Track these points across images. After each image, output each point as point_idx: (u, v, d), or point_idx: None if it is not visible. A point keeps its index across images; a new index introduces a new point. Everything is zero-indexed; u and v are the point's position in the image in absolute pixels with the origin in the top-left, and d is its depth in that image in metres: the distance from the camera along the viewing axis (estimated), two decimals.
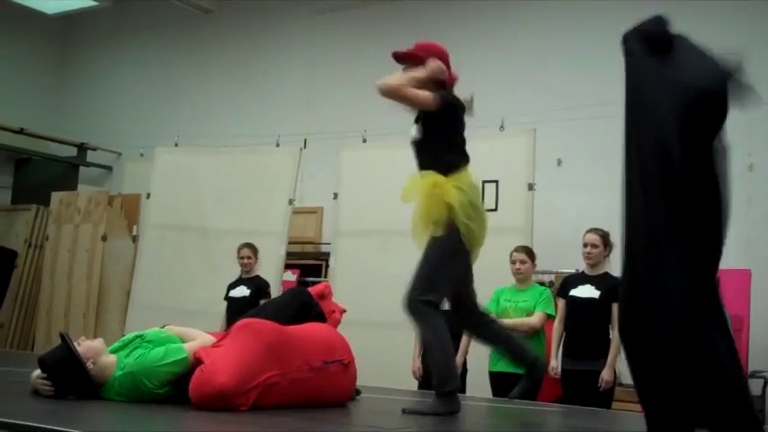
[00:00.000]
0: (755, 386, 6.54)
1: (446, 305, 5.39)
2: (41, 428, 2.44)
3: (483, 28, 8.43)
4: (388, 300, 6.67)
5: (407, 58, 3.96)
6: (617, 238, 5.34)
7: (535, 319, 5.43)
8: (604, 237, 5.36)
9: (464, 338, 5.69)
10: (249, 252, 6.92)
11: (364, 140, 7.79)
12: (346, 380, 3.86)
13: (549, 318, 5.47)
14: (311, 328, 3.89)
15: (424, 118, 3.92)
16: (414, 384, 5.90)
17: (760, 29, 7.15)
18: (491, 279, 5.34)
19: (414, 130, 4.01)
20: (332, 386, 3.73)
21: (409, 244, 6.85)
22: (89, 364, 3.49)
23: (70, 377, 3.50)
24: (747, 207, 6.93)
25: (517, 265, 5.60)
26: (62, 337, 3.72)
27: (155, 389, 3.48)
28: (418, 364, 5.85)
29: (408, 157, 7.30)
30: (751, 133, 7.03)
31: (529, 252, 5.71)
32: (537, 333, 5.41)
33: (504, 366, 5.23)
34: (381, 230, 7.16)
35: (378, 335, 6.42)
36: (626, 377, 6.60)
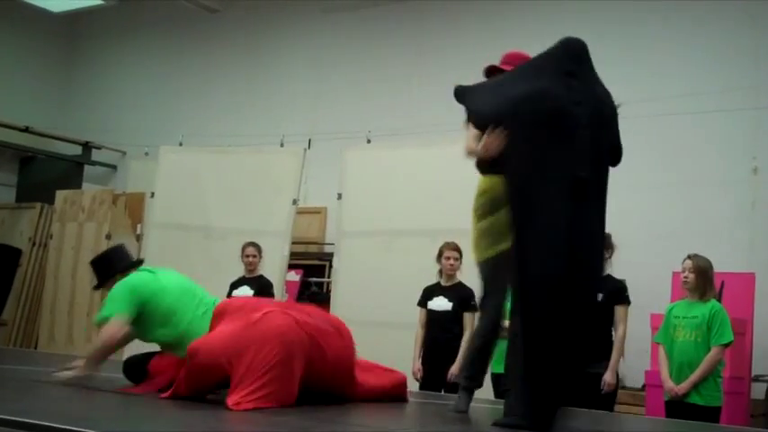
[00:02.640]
0: (759, 390, 6.53)
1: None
2: (46, 426, 2.45)
3: (486, 28, 8.43)
4: (391, 300, 6.72)
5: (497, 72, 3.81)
6: (622, 240, 5.36)
7: None
8: (606, 239, 5.34)
9: (465, 338, 5.69)
10: (254, 251, 6.91)
11: (368, 141, 7.79)
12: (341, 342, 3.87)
13: None
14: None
15: None
16: (414, 385, 5.90)
17: (764, 31, 7.13)
18: None
19: None
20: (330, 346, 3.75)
21: (412, 245, 6.90)
22: None
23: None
24: (752, 210, 6.93)
25: None
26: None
27: None
28: (419, 365, 5.85)
29: (412, 158, 7.35)
30: (755, 137, 7.03)
31: None
32: None
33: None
34: (385, 231, 7.16)
35: (380, 335, 6.42)
36: (629, 380, 6.61)
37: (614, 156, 3.37)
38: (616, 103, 3.41)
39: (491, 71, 3.80)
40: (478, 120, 3.39)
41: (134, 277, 4.12)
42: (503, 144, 3.21)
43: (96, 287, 4.48)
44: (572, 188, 3.09)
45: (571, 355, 3.19)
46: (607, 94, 3.32)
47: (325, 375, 3.76)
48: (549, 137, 3.15)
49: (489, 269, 3.74)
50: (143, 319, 4.04)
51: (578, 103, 3.17)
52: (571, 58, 3.29)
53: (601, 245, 3.30)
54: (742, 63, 7.12)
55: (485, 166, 3.51)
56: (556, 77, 3.26)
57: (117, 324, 3.97)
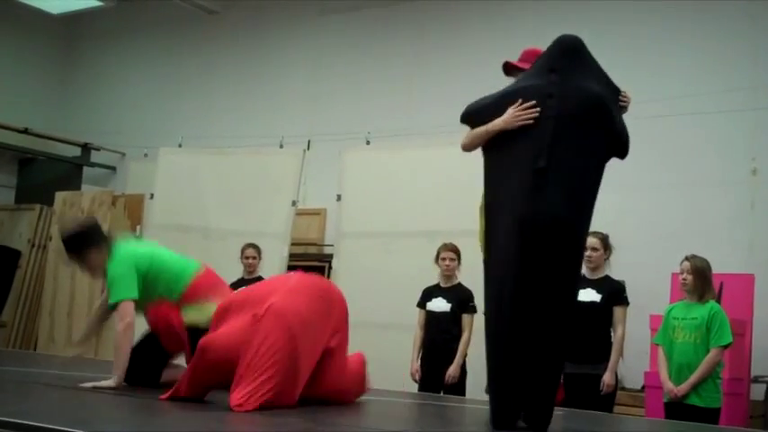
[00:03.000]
0: (758, 391, 6.53)
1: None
2: (46, 428, 2.45)
3: (487, 29, 8.43)
4: (390, 302, 6.72)
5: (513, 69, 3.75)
6: (612, 240, 5.36)
7: None
8: (604, 240, 5.34)
9: (463, 339, 5.69)
10: (254, 252, 6.92)
11: (368, 142, 7.79)
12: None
13: None
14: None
15: None
16: (413, 386, 5.90)
17: (763, 32, 7.13)
18: None
19: None
20: None
21: (412, 246, 6.90)
22: None
23: None
24: (751, 212, 6.93)
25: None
26: None
27: None
28: (417, 366, 5.85)
29: (411, 159, 7.35)
30: (754, 138, 7.03)
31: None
32: None
33: None
34: (384, 232, 7.17)
35: (379, 336, 6.42)
36: (628, 381, 6.61)
37: (617, 149, 3.36)
38: (624, 99, 3.40)
39: (508, 68, 3.75)
40: (462, 116, 3.46)
41: (127, 253, 4.16)
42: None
43: (72, 261, 4.35)
44: (532, 178, 3.10)
45: (541, 355, 3.16)
46: (599, 90, 3.30)
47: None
48: (517, 132, 3.22)
49: None
50: (142, 291, 4.12)
51: (550, 96, 3.20)
52: (557, 55, 3.32)
53: (572, 235, 3.19)
54: (741, 64, 7.13)
55: None
56: (540, 74, 3.32)
57: (130, 307, 4.03)
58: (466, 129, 3.54)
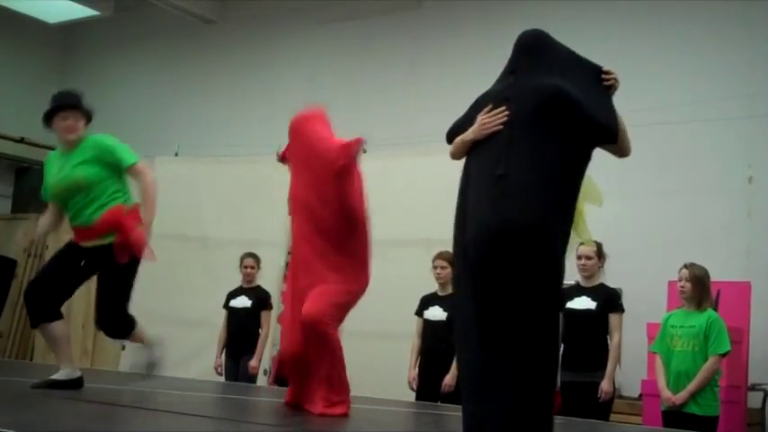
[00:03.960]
0: (755, 399, 6.52)
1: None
2: None
3: (484, 38, 8.44)
4: (386, 310, 6.70)
5: None
6: (610, 248, 5.35)
7: None
8: (598, 248, 5.36)
9: None
10: (252, 262, 6.91)
11: (365, 151, 7.77)
12: None
13: None
14: None
15: None
16: (410, 395, 5.89)
17: (760, 40, 7.15)
18: None
19: None
20: None
21: (409, 254, 6.89)
22: None
23: None
24: (747, 219, 6.93)
25: None
26: None
27: None
28: (414, 374, 5.85)
29: (408, 167, 7.35)
30: (751, 146, 7.04)
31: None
32: None
33: None
34: (381, 241, 7.10)
35: (375, 345, 6.41)
36: (625, 389, 6.60)
37: (598, 134, 3.13)
38: (608, 76, 3.22)
39: None
40: (447, 135, 3.41)
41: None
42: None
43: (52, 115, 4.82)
44: (493, 186, 2.96)
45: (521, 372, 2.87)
46: (555, 82, 3.12)
47: None
48: (482, 140, 3.11)
49: None
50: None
51: (506, 99, 3.09)
52: (516, 55, 3.25)
53: (542, 240, 2.93)
54: (738, 72, 7.14)
55: None
56: (502, 78, 3.24)
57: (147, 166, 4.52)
58: None
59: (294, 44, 9.85)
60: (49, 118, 4.61)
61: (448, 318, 5.72)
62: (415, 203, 7.08)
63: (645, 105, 6.93)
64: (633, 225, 7.16)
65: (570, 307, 5.29)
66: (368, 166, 7.73)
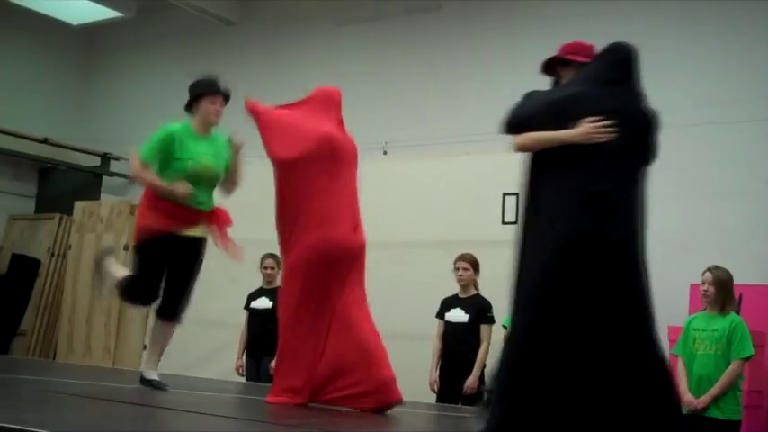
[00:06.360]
0: None
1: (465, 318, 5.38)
2: None
3: (503, 41, 8.42)
4: (406, 311, 6.70)
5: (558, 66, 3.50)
6: None
7: None
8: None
9: (481, 350, 5.67)
10: (273, 263, 6.92)
11: (385, 153, 7.80)
12: None
13: None
14: None
15: None
16: (431, 397, 5.88)
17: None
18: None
19: None
20: None
21: (427, 256, 6.88)
22: None
23: None
24: None
25: None
26: None
27: None
28: (435, 376, 5.84)
29: (428, 170, 7.34)
30: None
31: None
32: None
33: None
34: (401, 242, 7.15)
35: (395, 347, 6.39)
36: None
37: (651, 157, 3.32)
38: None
39: (551, 64, 3.48)
40: (508, 123, 3.30)
41: None
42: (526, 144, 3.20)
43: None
44: (589, 198, 3.02)
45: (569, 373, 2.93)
46: (645, 104, 3.27)
47: None
48: (576, 146, 3.08)
49: None
50: None
51: (613, 111, 3.10)
52: (620, 65, 3.24)
53: (629, 256, 3.21)
54: (761, 74, 7.08)
55: None
56: (597, 84, 3.21)
57: None
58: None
59: (313, 45, 9.87)
60: (196, 97, 4.70)
61: (470, 320, 5.72)
62: (434, 205, 7.07)
63: (665, 108, 6.87)
64: (655, 228, 7.07)
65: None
66: (387, 168, 7.78)
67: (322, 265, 4.17)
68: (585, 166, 3.07)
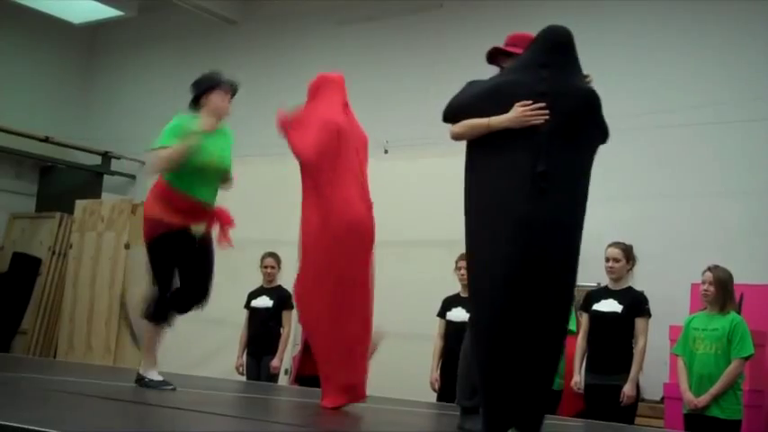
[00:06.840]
0: None
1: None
2: None
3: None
4: (408, 311, 6.70)
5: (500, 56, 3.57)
6: (640, 251, 5.31)
7: None
8: (627, 251, 5.31)
9: None
10: (273, 262, 6.93)
11: (386, 151, 7.80)
12: None
13: (570, 333, 5.43)
14: None
15: None
16: (432, 396, 5.88)
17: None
18: None
19: None
20: None
21: (430, 255, 6.88)
22: None
23: None
24: None
25: None
26: None
27: None
28: (436, 375, 5.84)
29: (429, 168, 7.33)
30: None
31: None
32: None
33: None
34: (401, 241, 7.15)
35: (398, 346, 6.40)
36: (649, 393, 6.55)
37: (603, 138, 3.29)
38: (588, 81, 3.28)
39: (494, 54, 3.58)
40: (444, 112, 3.35)
41: None
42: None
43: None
44: (531, 183, 3.02)
45: (535, 361, 3.06)
46: (581, 85, 3.23)
47: None
48: (511, 131, 3.10)
49: None
50: None
51: (543, 95, 3.09)
52: (549, 49, 3.22)
53: (567, 236, 3.12)
54: (761, 73, 7.07)
55: None
56: (530, 70, 3.20)
57: None
58: None
59: (314, 44, 9.87)
60: (204, 91, 4.75)
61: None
62: (436, 204, 7.07)
63: (665, 107, 6.89)
64: (655, 227, 7.11)
65: (596, 309, 5.26)
66: (388, 167, 7.78)
67: (353, 244, 4.18)
68: (524, 148, 3.06)
